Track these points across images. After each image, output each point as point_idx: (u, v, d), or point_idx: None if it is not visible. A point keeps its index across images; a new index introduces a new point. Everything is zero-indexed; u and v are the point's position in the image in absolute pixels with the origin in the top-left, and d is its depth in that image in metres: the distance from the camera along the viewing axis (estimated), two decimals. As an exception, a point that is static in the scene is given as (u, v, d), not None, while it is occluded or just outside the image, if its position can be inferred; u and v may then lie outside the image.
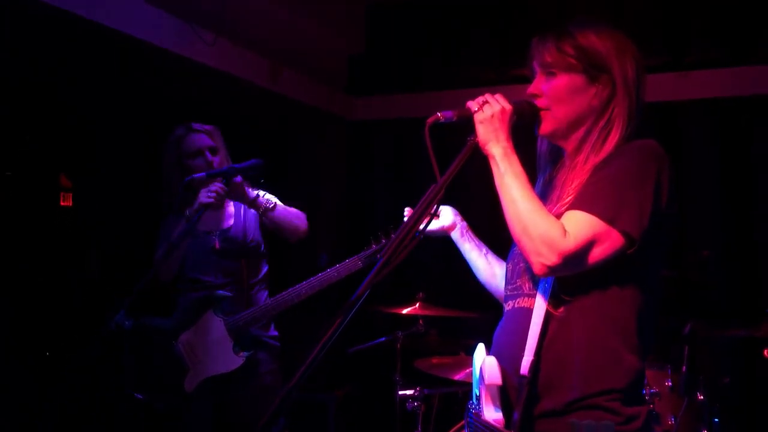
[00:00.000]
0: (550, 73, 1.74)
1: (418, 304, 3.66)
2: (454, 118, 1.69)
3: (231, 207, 3.23)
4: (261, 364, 3.11)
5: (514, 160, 1.66)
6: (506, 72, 4.83)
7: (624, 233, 1.57)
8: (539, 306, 1.66)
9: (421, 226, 1.55)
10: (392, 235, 1.82)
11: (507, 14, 4.91)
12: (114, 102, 4.46)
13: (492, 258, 2.07)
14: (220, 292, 3.07)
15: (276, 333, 3.23)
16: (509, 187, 1.63)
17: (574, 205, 1.61)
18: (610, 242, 1.57)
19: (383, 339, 3.76)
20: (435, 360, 3.63)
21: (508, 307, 1.80)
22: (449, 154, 1.64)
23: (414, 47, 5.16)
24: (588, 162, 1.68)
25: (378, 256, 1.55)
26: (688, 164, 4.42)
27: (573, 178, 1.69)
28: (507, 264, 1.86)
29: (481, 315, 4.41)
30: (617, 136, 1.69)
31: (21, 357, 4.10)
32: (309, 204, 3.83)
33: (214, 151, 3.14)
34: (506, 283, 1.84)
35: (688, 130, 4.50)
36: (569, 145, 1.77)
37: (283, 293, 2.98)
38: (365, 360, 4.17)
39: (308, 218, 3.36)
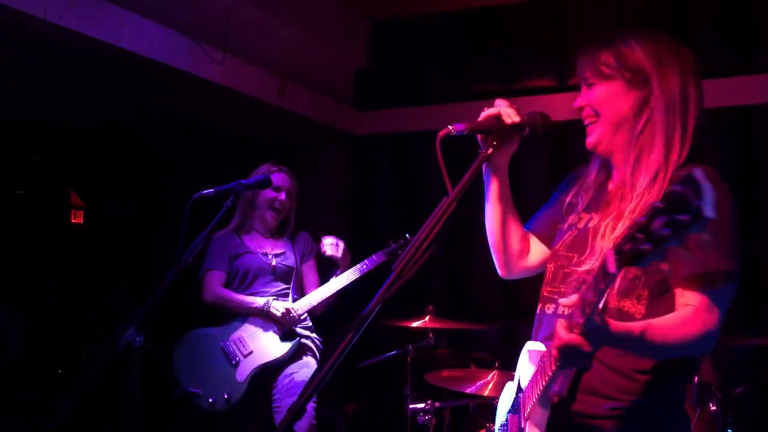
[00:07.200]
0: (590, 84, 1.75)
1: (427, 317, 3.65)
2: (466, 131, 1.68)
3: (286, 235, 3.72)
4: (308, 366, 3.51)
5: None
6: (512, 84, 4.85)
7: (737, 281, 1.59)
8: None
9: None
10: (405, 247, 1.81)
11: (511, 27, 4.93)
12: (125, 119, 4.50)
13: (512, 213, 1.95)
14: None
15: (321, 338, 3.66)
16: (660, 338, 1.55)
17: (694, 277, 1.57)
18: (732, 293, 1.59)
19: (393, 353, 3.75)
20: (445, 373, 3.61)
21: (549, 310, 1.78)
22: (460, 166, 1.64)
23: (420, 61, 5.18)
24: (650, 176, 1.65)
25: (391, 268, 1.55)
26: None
27: (636, 193, 1.66)
28: (548, 264, 1.85)
29: (490, 327, 4.41)
30: (661, 144, 1.65)
31: (31, 373, 4.11)
32: (313, 217, 3.87)
33: (289, 194, 3.65)
34: (545, 284, 1.83)
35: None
36: (617, 156, 1.76)
37: (319, 289, 3.52)
38: (375, 374, 4.16)
39: (312, 231, 3.84)
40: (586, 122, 1.77)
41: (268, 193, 3.59)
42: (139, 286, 2.96)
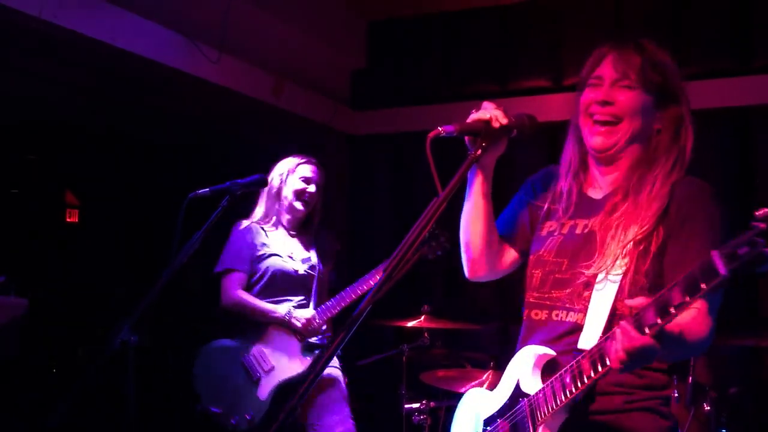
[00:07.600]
0: (627, 86, 1.74)
1: (423, 317, 3.66)
2: (455, 133, 1.68)
3: (310, 235, 3.56)
4: (336, 379, 3.39)
5: None
6: (510, 85, 4.85)
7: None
8: (594, 321, 1.67)
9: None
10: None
11: (510, 27, 4.93)
12: (121, 118, 4.51)
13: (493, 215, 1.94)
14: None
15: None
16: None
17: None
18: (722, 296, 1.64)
19: (389, 353, 3.76)
20: (440, 373, 3.62)
21: (539, 316, 1.80)
22: (451, 166, 1.64)
23: (417, 61, 5.19)
24: (659, 188, 1.70)
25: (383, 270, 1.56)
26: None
27: (647, 197, 1.70)
28: (532, 270, 1.84)
29: (485, 327, 4.42)
30: (685, 166, 1.74)
31: (31, 373, 4.12)
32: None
33: (318, 187, 3.51)
34: (532, 290, 1.83)
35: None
36: (620, 162, 1.77)
37: (337, 296, 3.35)
38: (371, 374, 4.17)
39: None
40: (598, 117, 1.75)
41: (297, 185, 3.45)
42: (138, 286, 2.96)
